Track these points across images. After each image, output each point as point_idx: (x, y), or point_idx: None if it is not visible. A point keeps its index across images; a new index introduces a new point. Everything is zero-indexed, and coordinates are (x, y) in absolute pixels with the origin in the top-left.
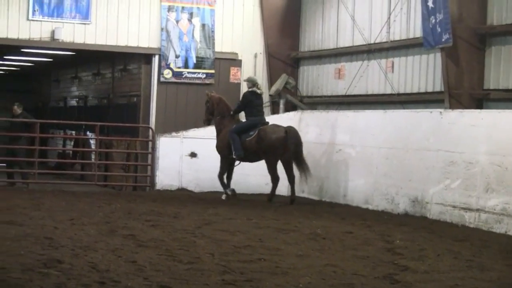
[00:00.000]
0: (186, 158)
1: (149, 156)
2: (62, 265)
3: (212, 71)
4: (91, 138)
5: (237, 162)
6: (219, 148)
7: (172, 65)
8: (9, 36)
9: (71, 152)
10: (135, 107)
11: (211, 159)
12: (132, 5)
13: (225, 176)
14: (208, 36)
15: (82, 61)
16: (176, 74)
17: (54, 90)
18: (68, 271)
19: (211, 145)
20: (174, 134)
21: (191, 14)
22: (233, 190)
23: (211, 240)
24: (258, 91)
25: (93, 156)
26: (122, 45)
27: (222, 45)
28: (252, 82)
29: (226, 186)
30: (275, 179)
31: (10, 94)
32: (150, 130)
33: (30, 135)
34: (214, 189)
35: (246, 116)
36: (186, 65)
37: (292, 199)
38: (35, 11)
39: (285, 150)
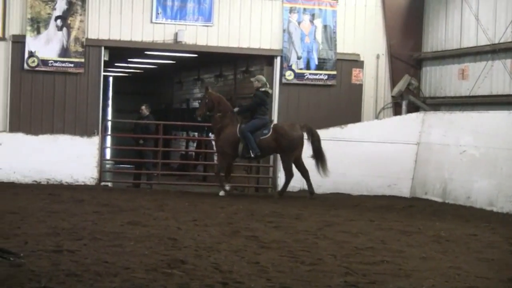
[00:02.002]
0: (308, 159)
1: (271, 157)
2: (185, 266)
3: (334, 72)
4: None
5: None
6: (221, 146)
7: (294, 67)
8: (133, 39)
9: (193, 153)
10: None
11: (334, 161)
12: (254, 7)
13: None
14: (330, 37)
15: (204, 63)
16: (298, 76)
17: (177, 92)
18: (192, 271)
19: (334, 146)
20: None
21: (313, 16)
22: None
23: (333, 242)
24: (270, 91)
25: (215, 157)
26: (244, 47)
27: (344, 46)
28: (261, 82)
29: (224, 182)
30: (290, 175)
31: (134, 96)
32: None
33: (154, 136)
34: (337, 191)
35: (257, 114)
36: (308, 67)
37: (312, 192)
38: (158, 14)
39: (302, 146)
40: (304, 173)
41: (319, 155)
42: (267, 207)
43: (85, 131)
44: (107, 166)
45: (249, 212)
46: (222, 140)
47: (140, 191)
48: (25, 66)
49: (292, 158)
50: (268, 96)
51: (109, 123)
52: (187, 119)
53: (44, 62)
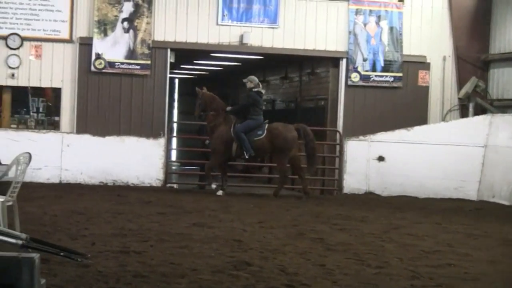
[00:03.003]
0: (373, 161)
1: (337, 159)
2: (251, 268)
3: (400, 74)
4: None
5: None
6: (215, 145)
7: (359, 69)
8: (199, 41)
9: None
10: (323, 110)
11: (399, 163)
12: (320, 9)
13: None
14: (396, 39)
15: (269, 65)
16: (364, 78)
17: (242, 93)
18: (257, 273)
19: (400, 149)
20: (361, 137)
21: (379, 17)
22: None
23: (399, 245)
24: (263, 91)
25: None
26: (310, 48)
27: (410, 48)
28: (254, 82)
29: (212, 179)
30: (286, 177)
31: None
32: (338, 134)
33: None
34: (403, 193)
35: (251, 115)
36: (373, 69)
37: (306, 192)
38: (224, 16)
39: (296, 147)
40: (300, 172)
41: (311, 155)
42: (333, 209)
43: (151, 132)
44: (173, 167)
45: (315, 214)
46: (216, 139)
47: (205, 193)
48: (92, 68)
49: (286, 159)
50: (261, 96)
51: (175, 125)
52: None
53: (111, 64)
